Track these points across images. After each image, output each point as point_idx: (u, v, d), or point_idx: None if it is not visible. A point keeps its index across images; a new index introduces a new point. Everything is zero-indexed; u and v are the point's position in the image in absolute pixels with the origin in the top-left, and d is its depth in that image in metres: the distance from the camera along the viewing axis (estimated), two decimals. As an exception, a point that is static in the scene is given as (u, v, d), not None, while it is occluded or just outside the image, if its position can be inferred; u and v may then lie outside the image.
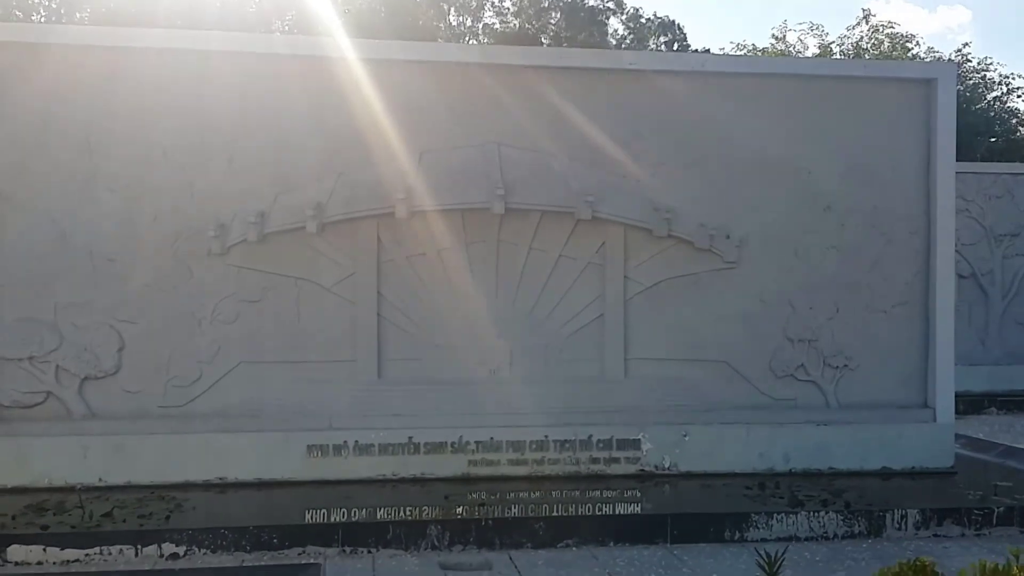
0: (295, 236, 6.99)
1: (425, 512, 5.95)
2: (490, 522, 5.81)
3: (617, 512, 6.26)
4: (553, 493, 6.70)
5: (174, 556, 5.41)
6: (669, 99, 7.40)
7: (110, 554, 5.35)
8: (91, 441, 6.70)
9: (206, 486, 6.74)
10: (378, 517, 5.88)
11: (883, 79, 7.74)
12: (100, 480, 6.67)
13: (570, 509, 6.21)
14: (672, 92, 7.41)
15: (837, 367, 7.61)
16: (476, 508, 6.16)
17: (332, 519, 5.81)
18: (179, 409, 6.91)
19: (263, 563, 5.33)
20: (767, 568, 3.23)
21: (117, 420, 6.80)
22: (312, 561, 5.02)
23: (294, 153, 7.00)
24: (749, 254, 7.49)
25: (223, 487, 6.75)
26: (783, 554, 3.37)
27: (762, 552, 3.48)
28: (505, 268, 7.27)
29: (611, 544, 5.84)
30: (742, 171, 7.47)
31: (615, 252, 7.36)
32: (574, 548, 5.78)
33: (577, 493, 6.67)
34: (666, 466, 7.25)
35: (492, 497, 6.48)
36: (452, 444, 7.04)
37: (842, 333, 7.61)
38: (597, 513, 6.16)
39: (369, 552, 5.58)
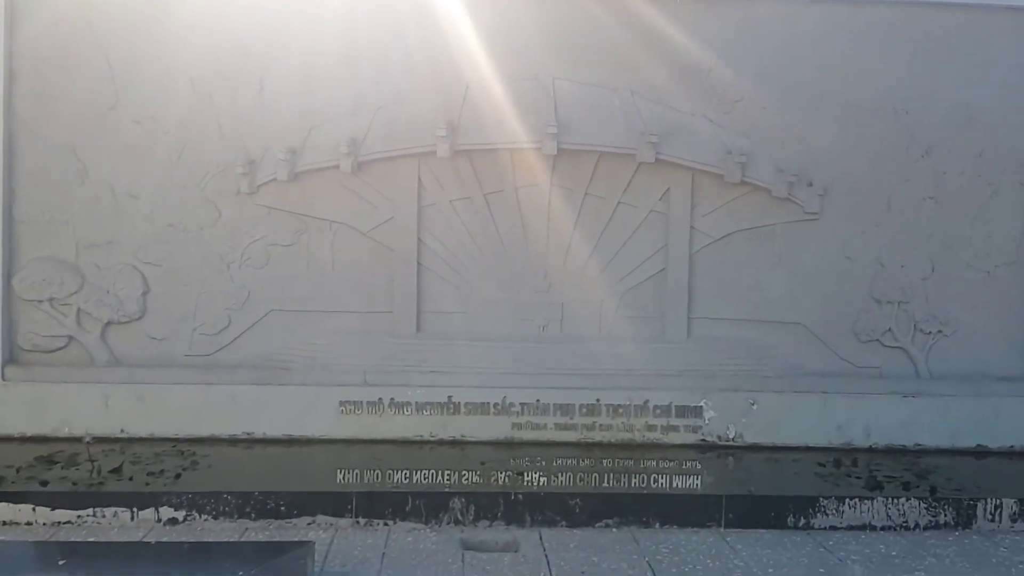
0: (329, 175, 6.43)
1: (461, 477, 5.48)
2: (520, 496, 5.22)
3: (673, 485, 5.65)
4: (604, 462, 6.09)
5: (172, 521, 4.97)
6: (748, 27, 6.55)
7: (104, 516, 4.93)
8: (113, 390, 6.33)
9: (232, 441, 6.33)
10: (398, 485, 5.38)
11: (994, 7, 6.71)
12: (122, 431, 6.31)
13: (617, 481, 5.62)
14: (752, 19, 6.56)
15: (930, 333, 6.77)
16: (514, 477, 5.60)
17: (349, 485, 5.33)
18: (205, 358, 6.48)
19: (265, 535, 4.85)
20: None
21: (141, 368, 6.41)
22: (306, 539, 4.47)
23: (329, 84, 6.40)
24: (833, 204, 6.65)
25: (250, 443, 6.33)
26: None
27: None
28: (558, 215, 6.59)
29: (656, 526, 5.19)
30: (829, 110, 6.61)
31: (681, 200, 6.61)
32: (614, 529, 5.15)
33: (630, 463, 6.08)
34: (730, 436, 6.56)
35: (534, 463, 5.93)
36: (495, 405, 6.47)
37: (937, 295, 6.74)
38: (648, 489, 5.53)
39: (386, 524, 5.05)
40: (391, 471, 5.68)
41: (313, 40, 6.38)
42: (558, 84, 6.47)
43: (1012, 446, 6.66)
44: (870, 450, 6.58)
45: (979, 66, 6.66)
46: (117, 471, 5.49)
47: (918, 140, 6.68)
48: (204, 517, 4.98)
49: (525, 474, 5.72)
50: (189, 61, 6.36)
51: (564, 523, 5.15)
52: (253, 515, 5.00)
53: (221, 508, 5.00)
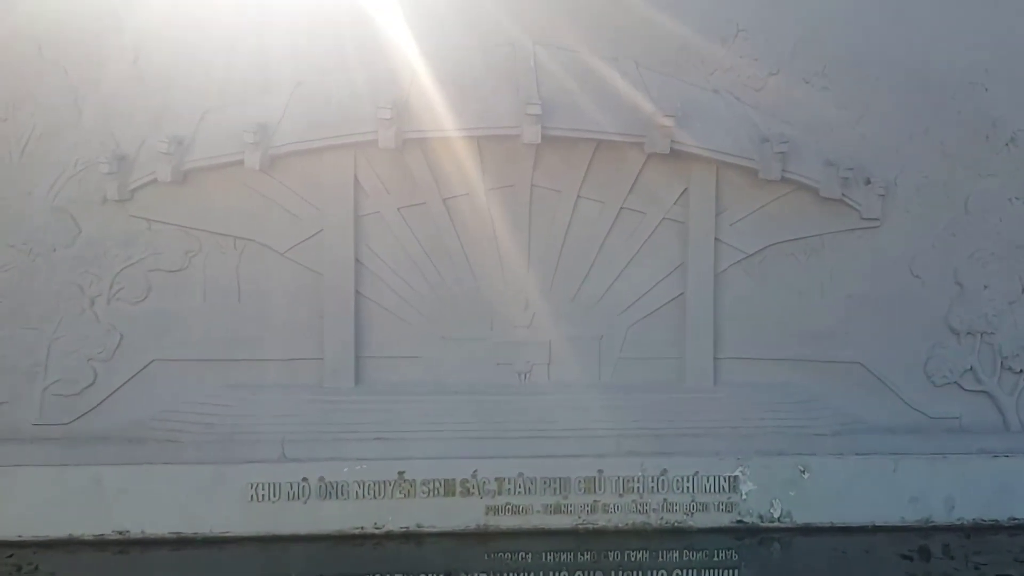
0: (231, 175, 4.83)
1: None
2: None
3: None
4: (609, 556, 4.63)
5: None
6: (785, -20, 5.09)
7: None
8: (-68, 476, 4.61)
9: (99, 544, 4.63)
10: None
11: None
12: (-57, 534, 4.58)
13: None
14: (790, -30, 5.10)
15: (1021, 371, 5.30)
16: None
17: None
18: (62, 429, 4.83)
19: None
20: None
21: (-29, 445, 4.71)
22: None
23: (230, 52, 4.78)
24: (898, 207, 5.20)
25: (123, 546, 4.63)
26: None
27: None
28: (542, 225, 5.06)
29: None
30: (890, 86, 5.14)
31: (703, 203, 5.10)
32: None
33: (644, 556, 4.63)
34: (776, 516, 4.99)
35: (518, 561, 4.53)
36: (463, 483, 4.85)
37: (1029, 323, 5.29)
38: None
39: None
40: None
41: (207, -5, 4.75)
42: (541, 52, 4.94)
43: None
44: (955, 528, 5.06)
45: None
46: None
47: (1001, 124, 5.25)
48: None
49: (507, 579, 4.22)
50: (36, 23, 4.74)
51: None
52: None
53: None
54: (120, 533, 4.66)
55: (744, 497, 4.98)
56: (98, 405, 4.84)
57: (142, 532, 4.67)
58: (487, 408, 4.98)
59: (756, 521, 4.98)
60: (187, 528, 4.69)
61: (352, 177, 4.91)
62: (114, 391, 4.85)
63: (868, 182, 5.12)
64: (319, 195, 4.92)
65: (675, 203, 5.10)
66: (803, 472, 5.01)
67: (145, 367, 4.87)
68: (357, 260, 4.95)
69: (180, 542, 4.66)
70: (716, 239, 5.12)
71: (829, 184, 5.04)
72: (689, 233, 5.10)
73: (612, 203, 5.07)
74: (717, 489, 4.96)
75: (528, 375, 5.10)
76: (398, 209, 4.98)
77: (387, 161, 4.89)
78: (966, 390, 5.28)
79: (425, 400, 4.97)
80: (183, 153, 4.70)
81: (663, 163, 4.98)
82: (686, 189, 5.09)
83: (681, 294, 5.14)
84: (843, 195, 5.06)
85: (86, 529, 4.65)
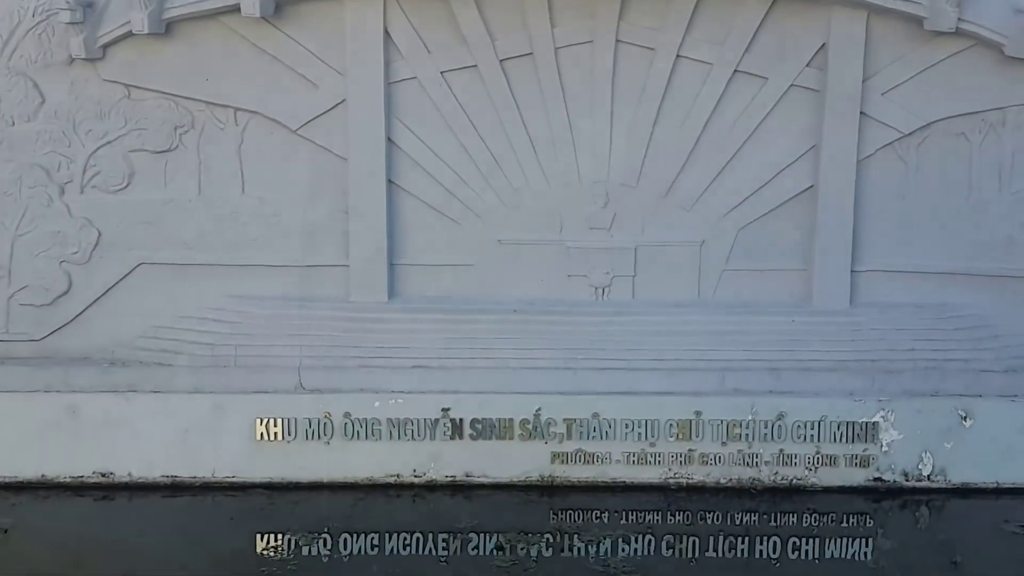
0: (229, 27, 3.85)
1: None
2: None
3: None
4: (708, 518, 3.80)
5: None
6: None
7: None
8: None
9: (76, 488, 3.91)
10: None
11: None
12: None
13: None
14: None
15: None
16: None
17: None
18: (32, 346, 4.05)
19: None
20: None
21: (-76, 366, 4.01)
22: None
23: None
24: (1108, 72, 3.98)
25: (105, 491, 3.90)
26: None
27: None
28: (628, 95, 4.00)
29: None
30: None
31: (846, 65, 3.95)
32: None
33: (753, 519, 3.80)
34: (925, 474, 4.02)
35: (591, 529, 3.66)
36: (524, 423, 3.99)
37: None
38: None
39: None
40: (345, 537, 3.59)
41: None
42: None
43: None
44: None
45: None
46: None
47: None
48: None
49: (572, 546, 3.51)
50: None
51: None
52: None
53: None
54: (103, 475, 3.92)
55: (885, 449, 4.01)
56: (74, 318, 4.03)
57: (129, 475, 3.92)
58: (555, 331, 4.08)
59: (899, 479, 4.02)
60: (184, 471, 3.93)
61: (381, 30, 3.87)
62: (93, 301, 4.03)
63: (1075, 37, 3.89)
64: (340, 54, 3.91)
65: (808, 65, 3.96)
66: (964, 418, 4.00)
67: (130, 272, 4.03)
68: (389, 140, 3.96)
69: (175, 487, 3.92)
70: (861, 113, 3.98)
71: (1018, 38, 3.82)
72: (825, 105, 3.97)
73: (723, 65, 3.94)
74: (850, 438, 4.02)
75: (607, 290, 4.14)
76: (441, 73, 3.94)
77: (427, 9, 3.84)
78: None
79: (477, 320, 4.07)
80: (164, -2, 3.74)
81: (794, 10, 3.86)
82: (823, 45, 3.93)
83: (811, 187, 4.06)
84: (1036, 54, 3.86)
85: (61, 470, 3.92)
